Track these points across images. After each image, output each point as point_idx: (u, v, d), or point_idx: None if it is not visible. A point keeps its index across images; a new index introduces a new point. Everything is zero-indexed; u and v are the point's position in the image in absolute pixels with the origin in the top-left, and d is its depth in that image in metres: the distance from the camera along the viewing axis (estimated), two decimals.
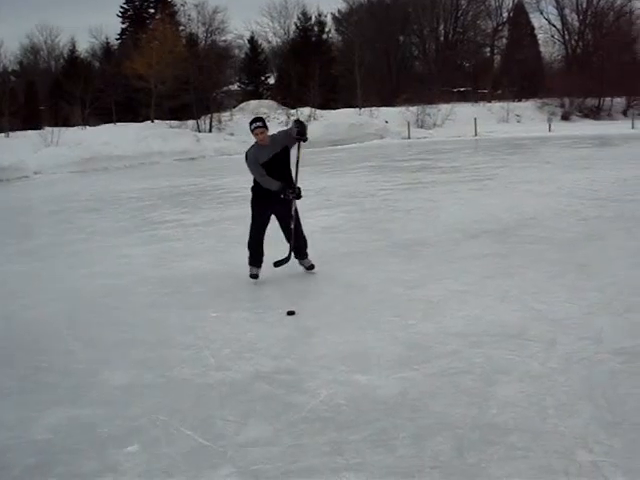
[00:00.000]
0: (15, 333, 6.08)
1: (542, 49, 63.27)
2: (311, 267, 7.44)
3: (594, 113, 49.03)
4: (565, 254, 7.64)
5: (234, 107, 43.88)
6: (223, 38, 48.84)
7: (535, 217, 10.01)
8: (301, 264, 7.45)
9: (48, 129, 30.59)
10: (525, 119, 45.50)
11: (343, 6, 62.00)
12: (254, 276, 7.16)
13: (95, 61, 54.47)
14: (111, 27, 62.40)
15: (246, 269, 7.22)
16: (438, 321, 5.59)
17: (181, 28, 45.01)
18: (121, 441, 3.91)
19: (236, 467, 3.53)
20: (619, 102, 49.51)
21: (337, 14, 61.76)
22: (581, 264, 7.13)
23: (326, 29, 57.84)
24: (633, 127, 35.13)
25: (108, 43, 53.96)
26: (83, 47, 56.02)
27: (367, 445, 3.66)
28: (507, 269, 7.11)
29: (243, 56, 57.15)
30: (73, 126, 34.83)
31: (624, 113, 48.36)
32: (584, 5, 58.94)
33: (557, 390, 4.20)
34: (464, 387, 4.33)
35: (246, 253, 7.21)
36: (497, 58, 63.88)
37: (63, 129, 30.54)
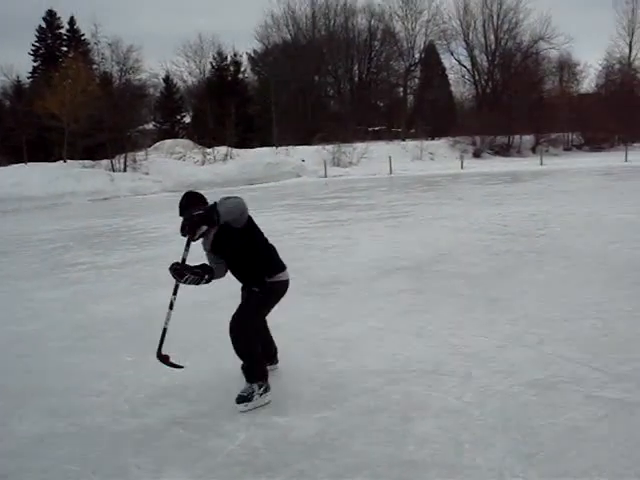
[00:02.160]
0: None
1: (453, 89, 65.52)
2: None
3: (504, 150, 50.77)
4: (478, 288, 7.81)
5: (149, 146, 43.55)
6: (138, 77, 48.58)
7: (449, 252, 10.22)
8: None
9: None
10: (438, 157, 46.69)
11: (258, 46, 62.74)
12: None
13: (5, 100, 53.29)
14: (23, 65, 61.41)
15: (161, 311, 7.08)
16: (356, 359, 5.60)
17: (94, 67, 44.53)
18: None
19: None
20: (528, 139, 51.48)
21: (252, 54, 62.39)
22: (493, 298, 7.29)
23: (242, 69, 58.42)
24: (542, 163, 36.41)
25: (19, 81, 52.97)
26: None
27: None
28: (422, 305, 7.21)
29: (158, 95, 56.96)
30: None
31: (533, 150, 50.28)
32: (493, 46, 61.36)
33: (473, 424, 4.25)
34: (382, 425, 4.33)
35: (163, 293, 7.07)
36: (410, 98, 65.59)
37: None
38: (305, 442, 4.15)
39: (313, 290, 8.24)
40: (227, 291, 8.44)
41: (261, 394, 4.77)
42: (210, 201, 5.05)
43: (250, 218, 5.13)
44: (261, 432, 4.33)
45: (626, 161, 33.98)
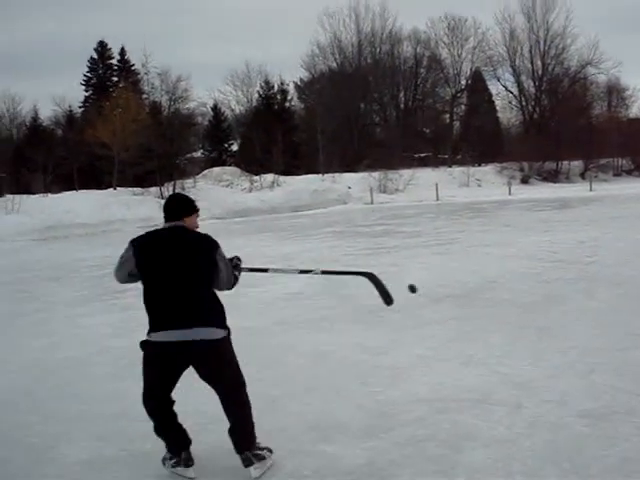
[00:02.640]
0: None
1: (500, 115, 64.99)
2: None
3: (552, 176, 50.14)
4: (527, 317, 7.70)
5: (197, 174, 44.09)
6: (186, 106, 49.31)
7: (497, 280, 10.11)
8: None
9: (9, 196, 30.40)
10: (485, 183, 46.29)
11: (305, 74, 63.24)
12: None
13: (58, 129, 54.61)
14: (74, 95, 63.03)
15: None
16: (403, 387, 5.55)
17: (144, 96, 45.39)
18: None
19: None
20: (576, 165, 50.79)
21: (299, 82, 62.91)
22: (543, 327, 7.18)
23: (288, 97, 58.95)
24: (591, 189, 35.92)
25: (71, 111, 54.26)
26: (46, 115, 56.17)
27: None
28: (471, 333, 7.13)
29: (207, 123, 57.73)
30: (35, 193, 34.68)
31: (582, 176, 49.57)
32: (540, 72, 60.88)
33: (523, 455, 4.18)
34: (431, 454, 4.28)
35: None
36: (456, 124, 65.34)
37: (24, 196, 30.38)
38: (354, 472, 4.12)
39: (360, 317, 8.22)
40: (274, 319, 8.51)
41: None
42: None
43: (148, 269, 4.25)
44: (309, 460, 4.31)
45: None
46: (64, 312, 10.13)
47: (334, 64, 62.71)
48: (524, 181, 47.74)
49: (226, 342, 4.24)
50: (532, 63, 61.13)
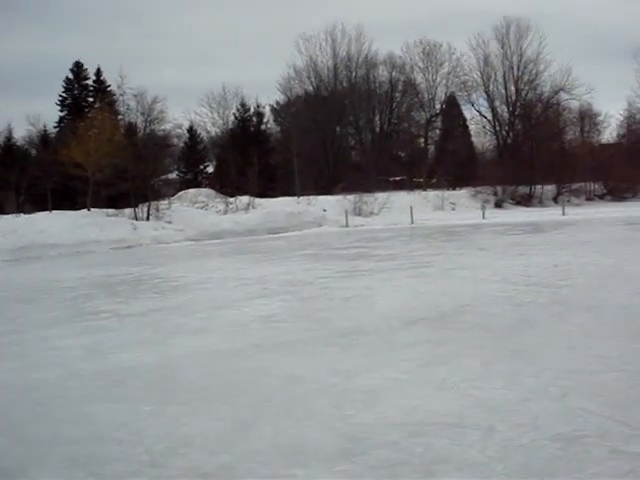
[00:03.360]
0: None
1: (474, 139, 65.60)
2: None
3: (526, 200, 50.59)
4: (501, 340, 7.73)
5: (172, 195, 43.96)
6: (162, 127, 49.23)
7: (470, 303, 10.15)
8: None
9: None
10: (459, 207, 46.60)
11: (281, 97, 63.53)
12: None
13: (32, 148, 54.24)
14: (49, 115, 62.65)
15: (182, 360, 7.08)
16: (377, 411, 5.54)
17: (120, 117, 45.26)
18: None
19: None
20: (549, 189, 51.30)
21: (275, 105, 63.17)
22: (516, 350, 7.22)
23: (264, 119, 59.10)
24: (564, 213, 36.29)
25: (46, 131, 53.92)
26: (20, 134, 55.76)
27: None
28: (444, 356, 7.14)
29: (182, 145, 57.67)
30: (7, 213, 34.37)
31: (554, 200, 50.07)
32: (513, 97, 61.67)
33: (496, 478, 4.18)
34: (404, 479, 4.27)
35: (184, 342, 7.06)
36: (431, 148, 65.87)
37: None
38: None
39: (334, 340, 8.20)
40: (249, 341, 8.50)
41: None
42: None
43: None
44: None
45: None
46: (36, 334, 10.00)
47: (310, 87, 63.13)
48: (498, 205, 48.12)
49: None
50: (506, 88, 61.93)
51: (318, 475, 4.38)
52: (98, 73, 53.12)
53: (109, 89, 51.42)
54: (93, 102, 49.88)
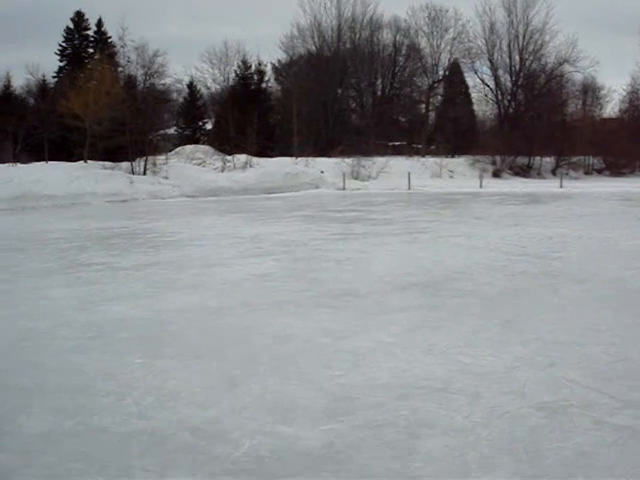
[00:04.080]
0: None
1: (476, 107, 65.25)
2: None
3: (524, 171, 50.49)
4: (491, 308, 7.77)
5: (170, 151, 43.77)
6: (162, 82, 48.76)
7: (463, 271, 10.17)
8: None
9: None
10: (457, 175, 46.57)
11: (283, 56, 62.97)
12: None
13: (30, 98, 53.79)
14: (49, 65, 62.07)
15: (174, 314, 7.10)
16: (365, 372, 5.58)
17: (120, 69, 44.84)
18: None
19: None
20: (548, 161, 51.19)
21: (277, 64, 62.62)
22: (506, 319, 7.25)
23: (265, 78, 58.61)
24: (561, 186, 36.27)
25: (45, 80, 53.44)
26: (18, 83, 55.23)
27: None
28: (434, 322, 7.18)
29: (181, 100, 57.29)
30: (3, 163, 34.19)
31: (553, 172, 49.99)
32: (517, 67, 61.24)
33: (480, 444, 4.22)
34: (389, 440, 4.31)
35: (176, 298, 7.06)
36: (432, 114, 65.57)
37: None
38: (311, 453, 4.14)
39: (326, 302, 8.22)
40: (240, 299, 8.53)
41: None
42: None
43: None
44: (268, 440, 4.32)
45: None
46: (28, 283, 10.01)
47: (313, 47, 62.56)
48: (496, 175, 48.04)
49: None
50: (510, 57, 61.42)
51: (304, 433, 4.42)
52: (99, 24, 52.50)
53: (110, 40, 50.89)
54: (93, 53, 49.44)
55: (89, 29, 53.00)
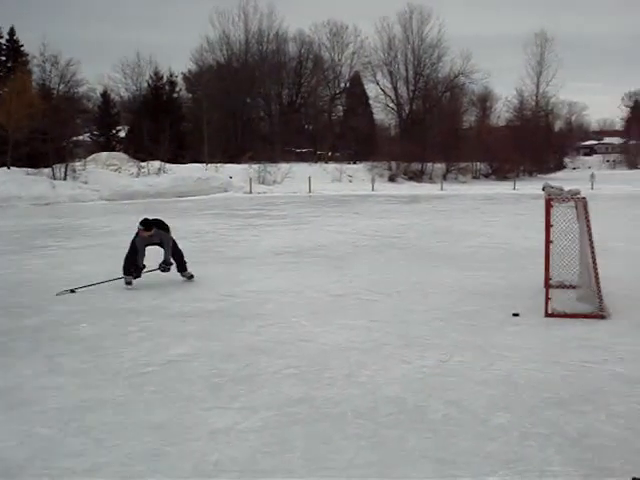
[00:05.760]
0: None
1: (377, 116, 70.04)
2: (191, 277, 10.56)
3: (417, 176, 54.79)
4: (332, 262, 11.99)
5: (85, 157, 46.19)
6: (76, 90, 51.21)
7: (325, 245, 14.32)
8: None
9: None
10: (356, 179, 50.55)
11: (193, 67, 66.10)
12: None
13: None
14: None
15: (119, 270, 10.78)
16: (244, 287, 9.47)
17: (34, 78, 46.85)
18: None
19: None
20: (439, 167, 55.66)
21: (187, 74, 65.63)
22: (340, 266, 11.46)
23: (177, 88, 61.41)
24: (442, 189, 41.00)
25: None
26: None
27: None
28: (295, 268, 11.32)
29: (96, 108, 59.51)
30: None
31: (444, 177, 54.66)
32: (414, 79, 66.33)
33: (300, 318, 8.16)
34: (233, 319, 8.21)
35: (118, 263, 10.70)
36: (336, 123, 69.88)
37: None
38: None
39: (225, 261, 12.19)
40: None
41: None
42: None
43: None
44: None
45: (514, 189, 38.94)
46: (6, 258, 13.43)
47: (222, 59, 65.74)
48: (391, 179, 52.15)
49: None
50: (407, 70, 66.52)
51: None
52: (12, 32, 53.56)
53: (22, 49, 52.39)
54: (6, 61, 51.01)
55: (2, 37, 54.13)
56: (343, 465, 4.16)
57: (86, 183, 37.76)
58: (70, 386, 5.66)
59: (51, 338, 7.19)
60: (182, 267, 10.58)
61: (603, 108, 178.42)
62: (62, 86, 51.11)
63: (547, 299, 7.83)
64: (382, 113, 70.27)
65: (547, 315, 7.73)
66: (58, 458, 4.33)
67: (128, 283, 10.10)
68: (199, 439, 4.56)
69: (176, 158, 47.26)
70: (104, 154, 49.03)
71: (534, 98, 73.92)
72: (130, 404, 5.23)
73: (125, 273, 10.21)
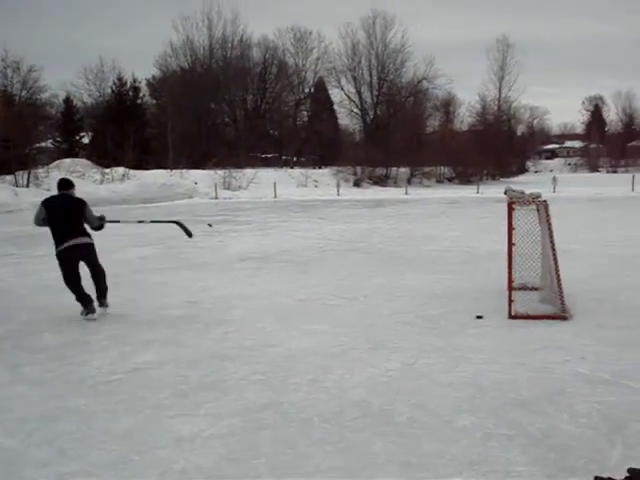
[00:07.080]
0: None
1: (341, 122, 70.44)
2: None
3: (382, 181, 55.13)
4: (297, 267, 12.01)
5: (47, 164, 45.76)
6: (38, 96, 50.80)
7: (290, 250, 14.31)
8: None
9: None
10: (322, 184, 50.73)
11: (157, 73, 65.89)
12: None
13: None
14: None
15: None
16: (209, 293, 9.45)
17: None
18: None
19: None
20: (404, 172, 56.09)
21: (151, 80, 65.41)
22: (306, 271, 11.46)
23: (140, 94, 61.23)
24: (406, 193, 41.25)
25: None
26: None
27: None
28: (260, 274, 11.30)
29: (58, 115, 59.03)
30: None
31: (408, 181, 55.03)
32: (378, 84, 66.79)
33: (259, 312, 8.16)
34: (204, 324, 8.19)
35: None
36: (301, 128, 70.08)
37: None
38: None
39: (190, 267, 12.18)
40: (131, 268, 12.07)
41: None
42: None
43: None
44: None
45: (477, 193, 39.32)
46: None
47: (186, 64, 65.76)
48: (356, 184, 52.40)
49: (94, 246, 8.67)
50: (371, 75, 67.00)
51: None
52: None
53: None
54: None
55: None
56: (310, 470, 4.17)
57: (49, 190, 37.00)
58: (34, 396, 5.60)
59: (14, 347, 7.11)
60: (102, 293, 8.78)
61: (564, 112, 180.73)
62: (24, 92, 50.69)
63: (510, 301, 7.94)
64: (347, 118, 70.83)
65: (510, 317, 7.82)
66: (21, 469, 4.28)
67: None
68: (165, 447, 4.54)
69: (140, 164, 47.12)
70: (67, 161, 48.53)
71: (496, 103, 75.12)
72: (95, 413, 5.19)
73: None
